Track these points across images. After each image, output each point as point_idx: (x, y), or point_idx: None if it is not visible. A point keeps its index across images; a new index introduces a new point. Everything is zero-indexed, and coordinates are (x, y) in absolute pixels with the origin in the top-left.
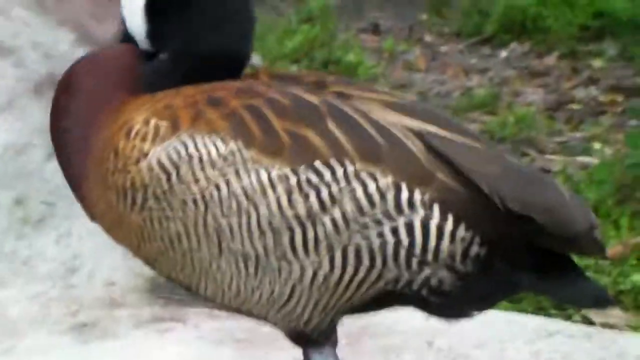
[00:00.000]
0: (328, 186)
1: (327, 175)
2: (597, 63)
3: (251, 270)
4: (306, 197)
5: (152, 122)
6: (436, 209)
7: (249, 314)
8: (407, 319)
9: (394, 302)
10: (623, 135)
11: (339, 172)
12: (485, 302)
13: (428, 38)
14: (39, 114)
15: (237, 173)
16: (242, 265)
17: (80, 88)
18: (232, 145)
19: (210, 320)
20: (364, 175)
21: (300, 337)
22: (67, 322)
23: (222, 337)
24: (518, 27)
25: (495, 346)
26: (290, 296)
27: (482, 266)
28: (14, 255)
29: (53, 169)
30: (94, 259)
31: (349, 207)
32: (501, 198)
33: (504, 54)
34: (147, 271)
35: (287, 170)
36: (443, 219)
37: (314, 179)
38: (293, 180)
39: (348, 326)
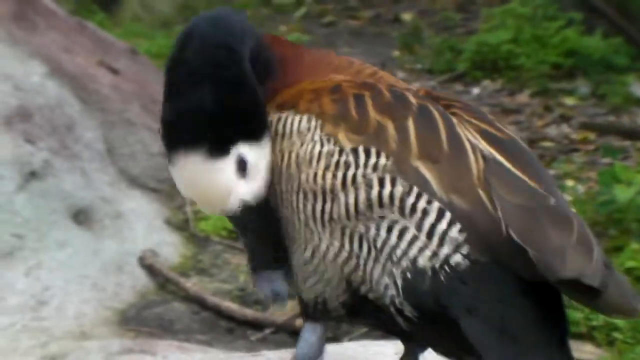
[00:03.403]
0: (356, 169)
1: (362, 159)
2: (569, 101)
3: (292, 233)
4: (334, 174)
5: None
6: (447, 217)
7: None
8: (377, 354)
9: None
10: (595, 173)
11: (372, 160)
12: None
13: (400, 75)
14: (10, 145)
15: (300, 145)
16: (286, 228)
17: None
18: (310, 123)
19: (179, 352)
20: (392, 175)
21: (307, 310)
22: (37, 354)
23: None
24: (490, 65)
25: None
26: (310, 262)
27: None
28: None
29: (23, 201)
30: (64, 292)
31: (362, 196)
32: (507, 224)
33: (476, 91)
34: (117, 304)
35: (335, 148)
36: (448, 226)
37: (352, 159)
38: (336, 156)
39: None
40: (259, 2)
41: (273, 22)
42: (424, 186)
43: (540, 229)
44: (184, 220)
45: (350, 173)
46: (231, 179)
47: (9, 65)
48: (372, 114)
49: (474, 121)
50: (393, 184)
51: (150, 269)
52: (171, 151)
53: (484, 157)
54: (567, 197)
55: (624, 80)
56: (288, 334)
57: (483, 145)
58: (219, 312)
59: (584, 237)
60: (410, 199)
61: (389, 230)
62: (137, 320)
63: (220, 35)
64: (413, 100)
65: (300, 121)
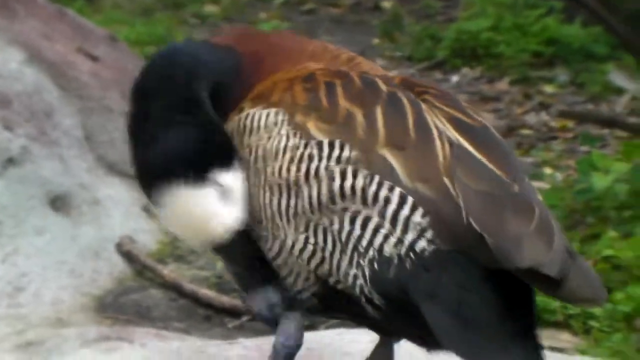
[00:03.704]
0: (319, 161)
1: (326, 152)
2: (548, 89)
3: (260, 230)
4: (298, 167)
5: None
6: (409, 203)
7: None
8: (353, 342)
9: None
10: (574, 161)
11: (336, 153)
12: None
13: (380, 62)
14: None
15: (268, 139)
16: (256, 220)
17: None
18: (278, 117)
19: (156, 340)
20: (354, 167)
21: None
22: (13, 341)
23: (168, 357)
24: (470, 53)
25: None
26: (278, 257)
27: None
28: None
29: (1, 187)
30: (41, 278)
31: (324, 189)
32: (468, 211)
33: (455, 78)
34: (94, 290)
35: (300, 141)
36: (411, 212)
37: (315, 152)
38: (301, 149)
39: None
40: None
41: (253, 9)
42: (390, 174)
43: (499, 216)
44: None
45: (313, 166)
46: (214, 207)
47: None
48: (342, 102)
49: (445, 108)
50: (355, 175)
51: (128, 256)
52: (151, 193)
53: (451, 144)
54: (545, 185)
55: (604, 68)
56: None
57: (451, 132)
58: (196, 300)
59: (544, 225)
60: (372, 188)
61: (353, 221)
62: (114, 307)
63: (175, 74)
64: (383, 87)
65: (268, 115)
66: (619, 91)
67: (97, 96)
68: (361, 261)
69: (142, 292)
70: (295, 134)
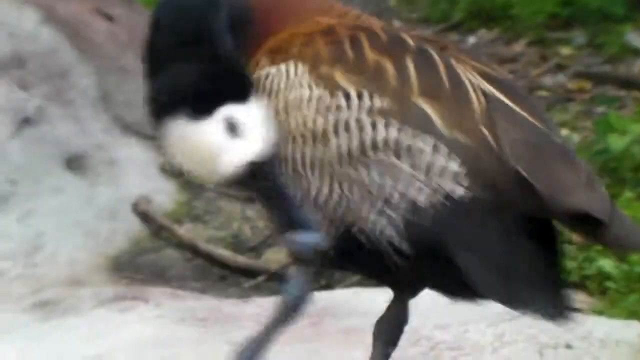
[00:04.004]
0: (349, 112)
1: (355, 103)
2: (565, 51)
3: (289, 172)
4: (326, 118)
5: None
6: (444, 152)
7: None
8: (369, 301)
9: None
10: (591, 123)
11: (366, 104)
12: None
13: (396, 24)
14: (3, 92)
15: (290, 90)
16: (283, 167)
17: None
18: (299, 69)
19: (172, 299)
20: (386, 119)
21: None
22: (29, 300)
23: (183, 316)
24: (486, 14)
25: (458, 328)
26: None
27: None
28: None
29: (17, 148)
30: (57, 238)
31: (355, 141)
32: (514, 160)
33: (472, 40)
34: (110, 251)
35: (325, 91)
36: (448, 161)
37: (344, 103)
38: (328, 100)
39: (310, 307)
40: None
41: None
42: (426, 123)
43: (547, 164)
44: (178, 167)
45: (343, 117)
46: (219, 140)
47: (3, 12)
48: (370, 54)
49: (471, 62)
50: (387, 126)
51: (144, 216)
52: (158, 124)
53: (485, 95)
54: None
55: (621, 30)
56: (281, 282)
57: (483, 84)
58: (212, 259)
59: (589, 174)
60: (405, 140)
61: (384, 173)
62: (130, 267)
63: (192, 7)
64: (410, 41)
65: (288, 68)
66: (637, 52)
67: (113, 56)
68: (392, 212)
69: (158, 252)
70: (319, 85)
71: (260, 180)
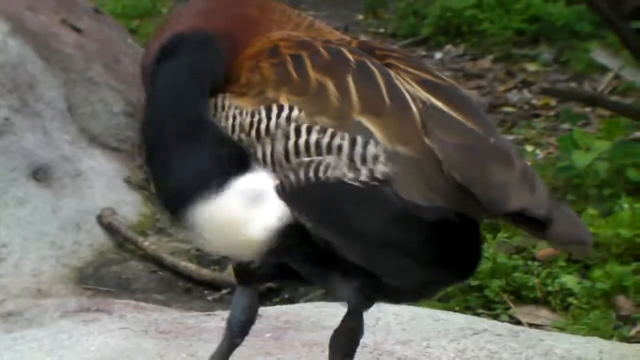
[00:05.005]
0: (266, 123)
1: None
2: (531, 67)
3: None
4: (244, 130)
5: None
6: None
7: None
8: (332, 315)
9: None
10: (556, 139)
11: (292, 114)
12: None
13: (364, 38)
14: None
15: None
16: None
17: None
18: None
19: (135, 311)
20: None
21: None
22: None
23: (147, 328)
24: (453, 30)
25: (420, 343)
26: None
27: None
28: None
29: None
30: (22, 249)
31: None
32: (449, 165)
33: (438, 55)
34: (75, 262)
35: (250, 109)
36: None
37: (264, 117)
38: (249, 117)
39: (273, 320)
40: None
41: None
42: (368, 139)
43: (481, 166)
44: (143, 179)
45: (268, 125)
46: (244, 214)
47: None
48: (312, 74)
49: (411, 70)
50: (309, 132)
51: (109, 228)
52: (182, 220)
53: (423, 104)
54: (527, 163)
55: (587, 47)
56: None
57: (422, 93)
58: (176, 272)
59: (526, 172)
60: (343, 141)
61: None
62: (94, 279)
63: (179, 104)
64: (351, 56)
65: (241, 111)
66: (602, 69)
67: (80, 68)
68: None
69: (123, 264)
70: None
71: (292, 239)
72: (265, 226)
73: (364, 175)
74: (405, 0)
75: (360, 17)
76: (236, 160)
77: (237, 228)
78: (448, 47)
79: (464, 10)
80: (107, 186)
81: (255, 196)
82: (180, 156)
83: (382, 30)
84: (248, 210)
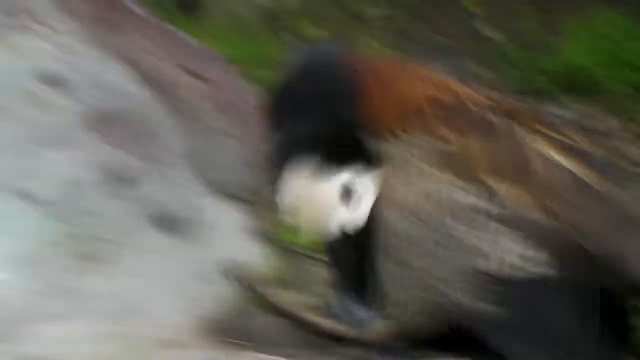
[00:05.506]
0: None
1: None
2: None
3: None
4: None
5: None
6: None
7: None
8: None
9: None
10: None
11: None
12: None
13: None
14: (93, 149)
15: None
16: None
17: None
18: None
19: None
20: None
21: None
22: None
23: None
24: (579, 86)
25: None
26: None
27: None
28: (69, 291)
29: (106, 206)
30: (147, 299)
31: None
32: (589, 235)
33: (566, 113)
34: (202, 313)
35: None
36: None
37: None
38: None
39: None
40: (347, 17)
41: (353, 31)
42: (501, 203)
43: (617, 237)
44: (271, 231)
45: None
46: (335, 201)
47: (96, 69)
48: (459, 137)
49: (551, 134)
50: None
51: (237, 280)
52: (280, 170)
53: (564, 171)
54: None
55: None
56: (379, 354)
57: (558, 156)
58: (307, 327)
59: None
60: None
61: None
62: (221, 331)
63: (330, 70)
64: (497, 122)
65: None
66: None
67: (207, 118)
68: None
69: (251, 317)
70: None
71: (351, 247)
72: (341, 222)
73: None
74: (523, 52)
75: (477, 68)
76: (354, 155)
77: (323, 208)
78: (574, 105)
79: (592, 67)
80: (236, 238)
81: (352, 196)
82: (308, 117)
83: (499, 82)
84: (339, 201)
